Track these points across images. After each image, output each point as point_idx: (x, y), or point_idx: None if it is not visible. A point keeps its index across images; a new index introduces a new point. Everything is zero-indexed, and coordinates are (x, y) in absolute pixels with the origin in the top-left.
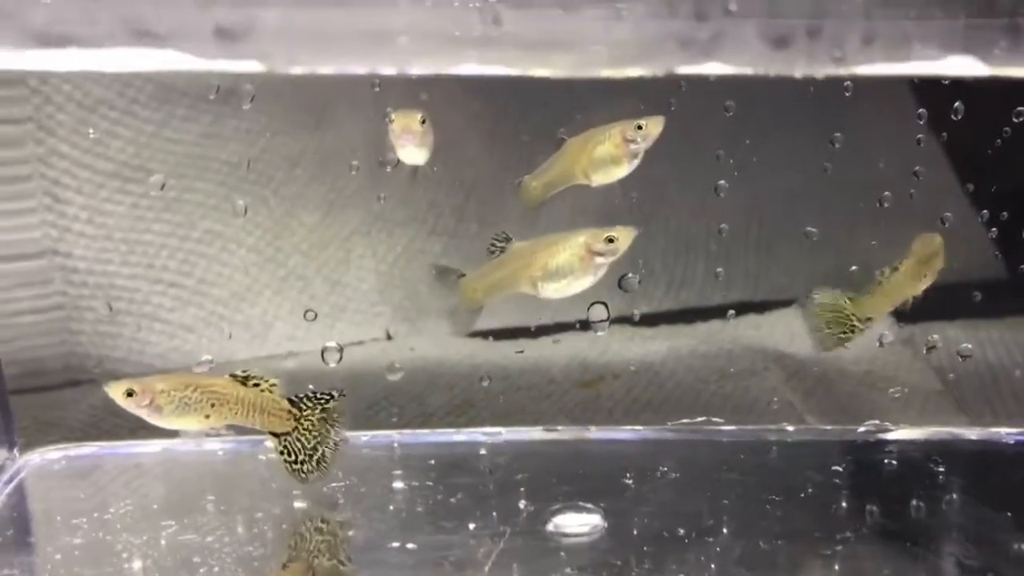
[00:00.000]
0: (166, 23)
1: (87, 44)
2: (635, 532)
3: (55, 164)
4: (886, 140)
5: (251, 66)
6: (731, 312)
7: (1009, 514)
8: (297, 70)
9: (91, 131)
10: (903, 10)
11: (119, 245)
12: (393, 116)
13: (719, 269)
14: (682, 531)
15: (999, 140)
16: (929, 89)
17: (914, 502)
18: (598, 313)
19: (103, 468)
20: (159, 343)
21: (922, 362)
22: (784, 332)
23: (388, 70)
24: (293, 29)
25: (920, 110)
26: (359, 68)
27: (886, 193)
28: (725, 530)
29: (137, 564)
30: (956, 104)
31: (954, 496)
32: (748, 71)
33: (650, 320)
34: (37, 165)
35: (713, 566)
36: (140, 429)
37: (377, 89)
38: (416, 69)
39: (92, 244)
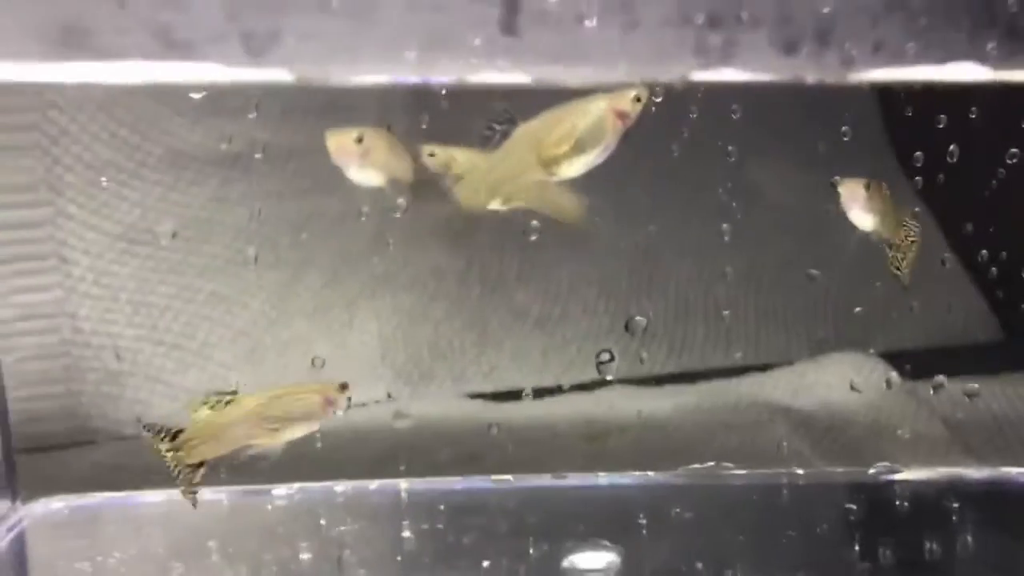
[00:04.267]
0: (195, 33)
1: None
2: (652, 568)
3: (62, 225)
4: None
5: (280, 75)
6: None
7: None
8: (324, 79)
9: (104, 180)
10: (909, 19)
11: (124, 307)
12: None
13: (725, 312)
14: (700, 565)
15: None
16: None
17: (928, 535)
18: (605, 356)
19: (106, 517)
20: (161, 405)
21: (927, 410)
22: (787, 388)
23: (411, 79)
24: (319, 41)
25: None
26: (381, 77)
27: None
28: (743, 564)
29: None
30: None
31: (968, 530)
32: (762, 77)
33: (653, 380)
34: (49, 228)
35: None
36: (143, 483)
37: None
38: (436, 77)
39: (97, 305)
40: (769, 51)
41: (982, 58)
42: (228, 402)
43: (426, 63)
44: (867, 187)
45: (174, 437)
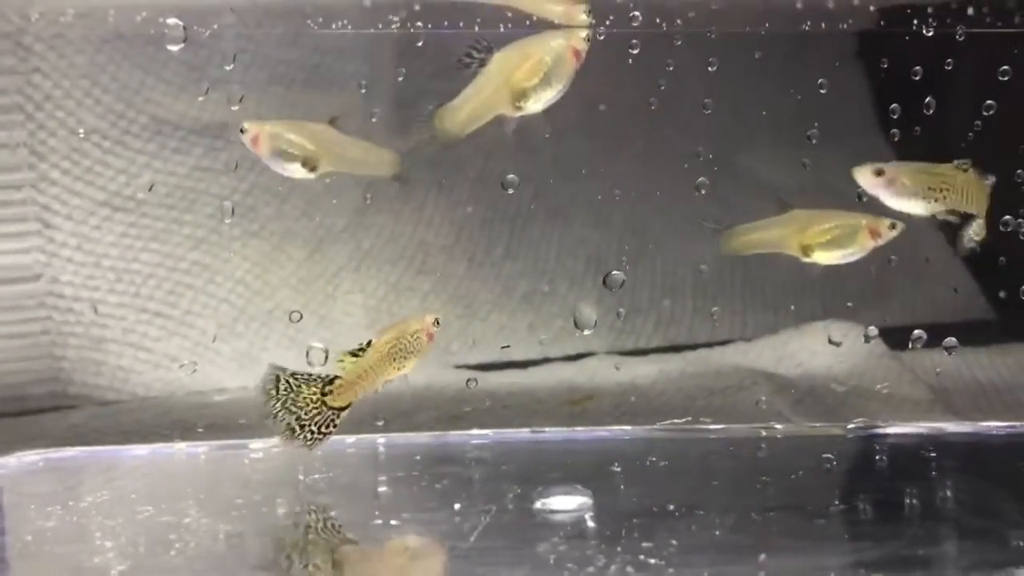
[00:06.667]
0: None
1: None
2: (625, 509)
3: (46, 190)
4: None
5: None
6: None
7: (1000, 491)
8: None
9: (81, 131)
10: None
11: (107, 273)
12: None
13: (703, 266)
14: (672, 507)
15: None
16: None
17: (907, 481)
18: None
19: (80, 469)
20: (144, 371)
21: (910, 374)
22: (772, 356)
23: None
24: None
25: None
26: None
27: None
28: (716, 505)
29: (109, 543)
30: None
31: (945, 476)
32: None
33: (638, 352)
34: (30, 191)
35: (708, 534)
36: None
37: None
38: None
39: (80, 271)
40: None
41: None
42: (364, 350)
43: None
44: (878, 173)
45: (329, 383)
